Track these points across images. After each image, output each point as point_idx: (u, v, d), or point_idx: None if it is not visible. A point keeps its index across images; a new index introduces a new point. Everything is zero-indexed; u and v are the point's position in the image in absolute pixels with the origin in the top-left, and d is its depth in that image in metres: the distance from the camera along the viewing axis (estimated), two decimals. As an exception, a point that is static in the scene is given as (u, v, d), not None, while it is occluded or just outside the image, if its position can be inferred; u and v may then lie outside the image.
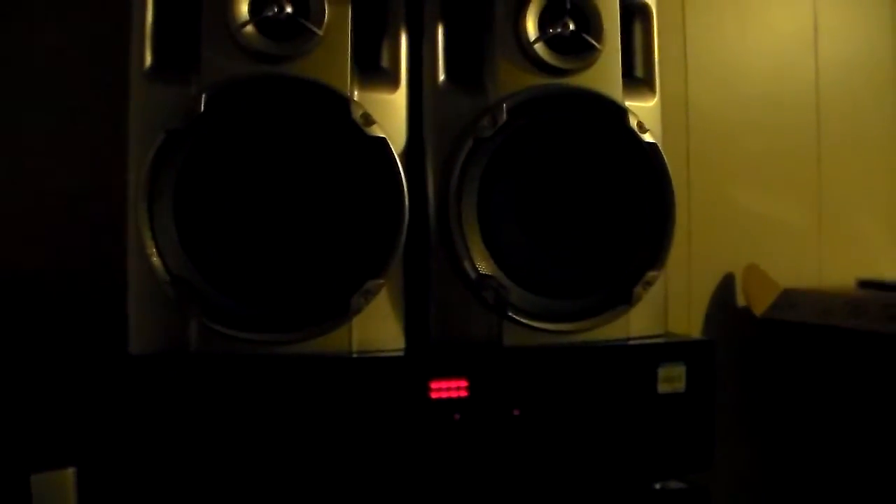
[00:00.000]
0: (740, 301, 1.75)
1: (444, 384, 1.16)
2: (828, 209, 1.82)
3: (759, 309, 1.68)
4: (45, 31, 1.40)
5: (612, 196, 1.27)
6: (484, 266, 1.20)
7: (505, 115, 1.20)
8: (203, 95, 1.10)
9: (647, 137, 1.25)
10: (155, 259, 1.09)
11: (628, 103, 1.27)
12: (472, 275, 1.19)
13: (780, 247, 1.78)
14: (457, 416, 1.16)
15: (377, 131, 1.15)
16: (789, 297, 1.65)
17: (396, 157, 1.15)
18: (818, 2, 1.83)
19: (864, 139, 1.86)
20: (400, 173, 1.15)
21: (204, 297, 1.10)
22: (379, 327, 1.18)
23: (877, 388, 1.52)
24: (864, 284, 1.67)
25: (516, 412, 1.19)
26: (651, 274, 1.26)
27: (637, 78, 1.34)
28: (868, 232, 1.85)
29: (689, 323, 1.71)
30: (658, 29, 1.36)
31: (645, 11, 1.34)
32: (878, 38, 1.88)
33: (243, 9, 1.13)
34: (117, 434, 1.11)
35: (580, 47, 1.25)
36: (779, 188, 1.80)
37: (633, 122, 1.25)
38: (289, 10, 1.13)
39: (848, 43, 1.86)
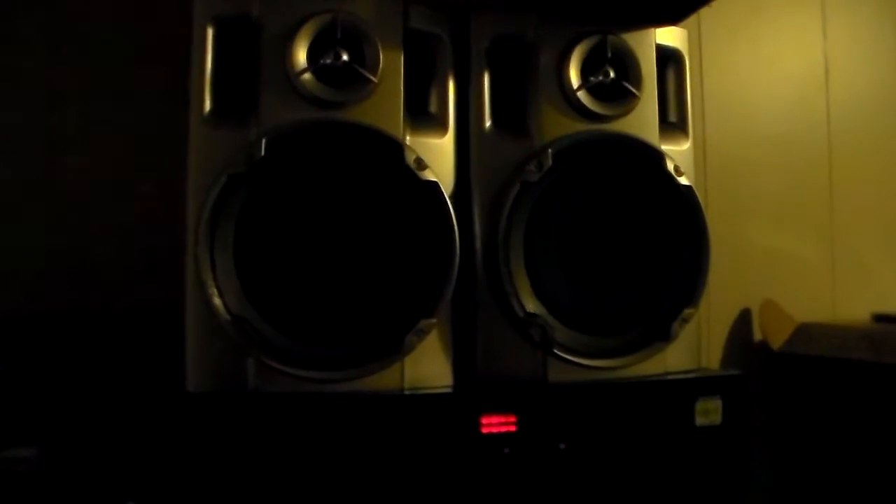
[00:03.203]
0: (757, 336, 1.79)
1: (494, 419, 1.19)
2: (840, 245, 1.87)
3: (776, 343, 1.72)
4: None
5: (649, 236, 1.32)
6: (530, 305, 1.24)
7: (550, 160, 1.24)
8: (263, 140, 1.13)
9: (683, 180, 1.31)
10: (216, 299, 1.12)
11: (664, 147, 1.32)
12: (520, 314, 1.23)
13: (795, 282, 1.83)
14: (506, 450, 1.19)
15: (429, 175, 1.19)
16: (806, 332, 1.69)
17: (447, 200, 1.19)
18: (828, 44, 1.90)
19: (875, 176, 1.91)
20: (451, 216, 1.19)
21: (262, 336, 1.14)
22: (429, 365, 1.22)
23: (895, 420, 1.55)
24: (880, 318, 1.71)
25: (562, 446, 1.22)
26: (688, 311, 1.30)
27: (671, 122, 1.39)
28: (880, 267, 1.90)
29: (709, 357, 1.75)
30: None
31: (678, 58, 1.39)
32: (887, 78, 1.95)
33: (301, 56, 1.17)
34: (175, 471, 1.13)
35: (620, 94, 1.30)
36: (793, 225, 1.85)
37: (671, 167, 1.29)
38: (345, 57, 1.18)
39: (858, 83, 1.92)
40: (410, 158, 1.18)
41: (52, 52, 1.45)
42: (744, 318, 1.81)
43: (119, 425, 1.27)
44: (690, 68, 1.42)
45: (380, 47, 1.20)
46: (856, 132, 1.90)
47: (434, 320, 1.19)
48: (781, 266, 1.84)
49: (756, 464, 1.73)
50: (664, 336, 1.29)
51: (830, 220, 1.88)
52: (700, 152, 1.73)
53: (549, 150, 1.25)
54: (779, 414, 1.79)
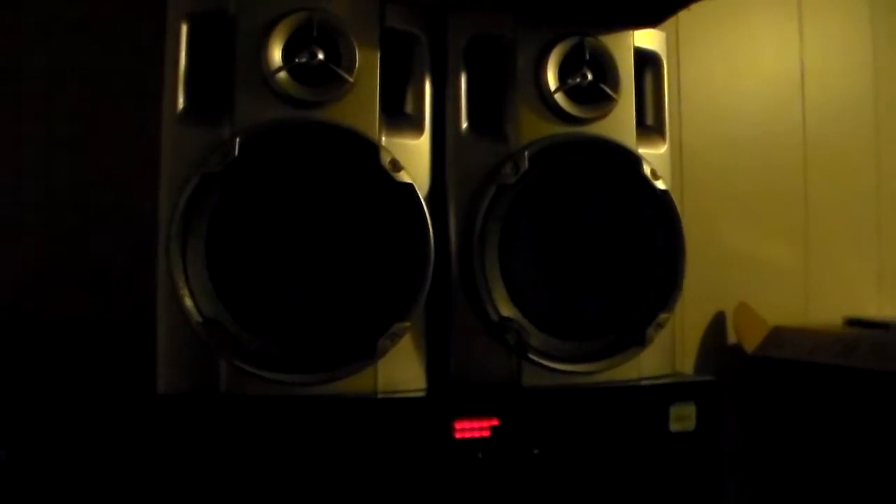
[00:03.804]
0: (731, 339, 1.79)
1: (468, 424, 1.18)
2: (814, 249, 1.88)
3: (750, 346, 1.72)
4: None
5: (626, 240, 1.31)
6: (505, 309, 1.23)
7: (527, 163, 1.24)
8: (237, 139, 1.12)
9: (660, 184, 1.30)
10: (188, 301, 1.11)
11: (641, 150, 1.32)
12: (495, 318, 1.22)
13: (769, 285, 1.83)
14: (480, 455, 1.19)
15: (405, 177, 1.18)
16: (779, 335, 1.70)
17: (423, 202, 1.18)
18: (805, 48, 1.90)
19: (849, 179, 1.92)
20: (426, 219, 1.18)
21: (235, 339, 1.12)
22: (402, 368, 1.21)
23: (866, 424, 1.56)
24: (852, 322, 1.72)
25: (536, 451, 1.21)
26: (663, 316, 1.30)
27: (648, 126, 1.38)
28: (853, 271, 1.91)
29: (682, 360, 1.75)
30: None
31: (656, 61, 1.39)
32: (863, 82, 1.95)
33: (277, 55, 1.16)
34: (145, 473, 1.11)
35: (597, 97, 1.30)
36: (767, 228, 1.85)
37: (647, 170, 1.29)
38: (321, 56, 1.16)
39: (833, 87, 1.92)
40: (386, 160, 1.17)
41: (50, 48, 1.42)
42: (718, 322, 1.81)
43: (89, 427, 1.25)
44: (668, 71, 1.41)
45: (356, 46, 1.19)
46: (831, 136, 1.91)
47: (408, 324, 1.18)
48: (756, 269, 1.84)
49: (729, 467, 1.73)
50: (639, 341, 1.29)
51: (805, 224, 1.88)
52: (676, 155, 1.73)
53: (526, 153, 1.24)
54: (752, 416, 1.79)
